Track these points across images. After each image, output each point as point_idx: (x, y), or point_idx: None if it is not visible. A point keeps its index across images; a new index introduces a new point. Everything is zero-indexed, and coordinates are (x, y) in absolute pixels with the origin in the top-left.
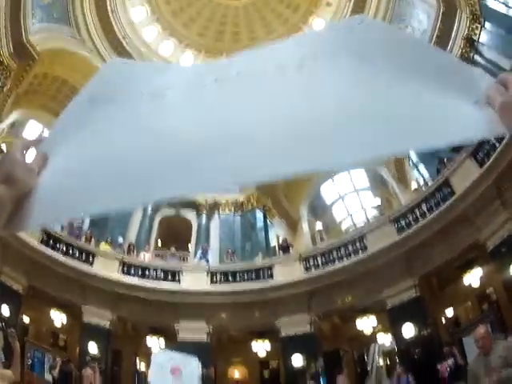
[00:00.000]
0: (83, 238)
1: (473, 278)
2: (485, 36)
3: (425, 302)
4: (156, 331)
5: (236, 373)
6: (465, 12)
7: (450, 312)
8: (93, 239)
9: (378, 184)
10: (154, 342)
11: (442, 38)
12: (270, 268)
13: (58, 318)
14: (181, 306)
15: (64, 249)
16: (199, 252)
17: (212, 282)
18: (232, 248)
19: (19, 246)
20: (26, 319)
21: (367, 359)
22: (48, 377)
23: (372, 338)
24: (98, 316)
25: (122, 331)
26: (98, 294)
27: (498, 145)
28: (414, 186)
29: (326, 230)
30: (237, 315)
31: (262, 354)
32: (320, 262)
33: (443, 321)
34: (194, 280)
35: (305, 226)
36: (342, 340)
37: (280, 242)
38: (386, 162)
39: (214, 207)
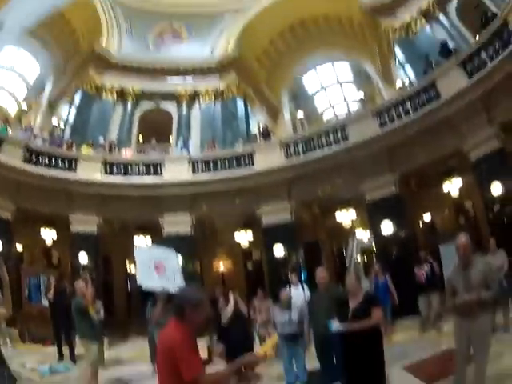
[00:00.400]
0: (65, 147)
1: (452, 186)
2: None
3: (404, 201)
4: (142, 230)
5: (221, 265)
6: None
7: (427, 217)
8: (74, 146)
9: (362, 78)
10: (141, 241)
11: None
12: (251, 155)
13: (49, 235)
14: (164, 198)
15: (47, 161)
16: (180, 143)
17: (194, 171)
18: (213, 137)
19: (3, 171)
20: (19, 247)
21: (346, 254)
22: (45, 302)
23: (351, 232)
24: (85, 223)
25: (109, 235)
26: (83, 199)
27: (488, 61)
28: (399, 84)
29: (308, 120)
30: (219, 205)
31: (245, 245)
32: (301, 150)
33: (420, 225)
34: (175, 171)
35: (286, 114)
36: (322, 232)
37: (261, 129)
38: (371, 58)
39: (195, 97)
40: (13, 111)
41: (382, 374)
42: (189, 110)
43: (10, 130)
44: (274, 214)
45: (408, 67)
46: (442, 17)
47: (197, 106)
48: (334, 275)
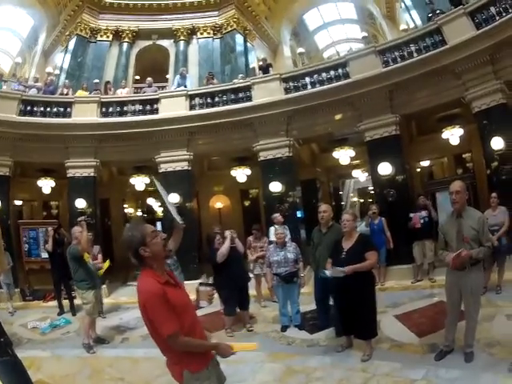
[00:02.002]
0: (59, 93)
1: (452, 135)
2: None
3: (403, 144)
4: (139, 170)
5: (218, 202)
6: None
7: (426, 163)
8: (70, 91)
9: (366, 19)
10: (138, 181)
11: None
12: (249, 88)
13: (46, 185)
14: (160, 136)
15: (42, 110)
16: (177, 77)
17: (191, 107)
18: (211, 72)
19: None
20: (18, 202)
21: (343, 193)
22: (45, 254)
23: (348, 172)
24: (83, 167)
25: (107, 178)
26: (79, 143)
27: (497, 16)
28: (403, 27)
29: (308, 57)
30: (216, 140)
31: (242, 181)
32: (300, 84)
33: (418, 170)
34: (172, 107)
35: (286, 50)
36: (320, 170)
37: (260, 62)
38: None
39: (192, 33)
40: (8, 68)
41: (373, 319)
42: (186, 46)
43: (4, 86)
44: (272, 150)
45: (414, 12)
46: None
47: (194, 41)
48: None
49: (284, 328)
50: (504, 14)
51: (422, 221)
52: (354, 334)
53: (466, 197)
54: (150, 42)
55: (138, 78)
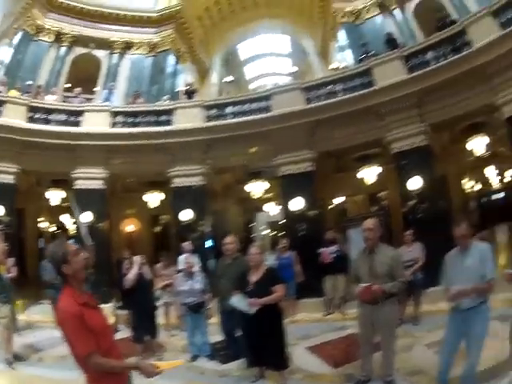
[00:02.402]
0: None
1: (368, 175)
2: None
3: (318, 180)
4: (57, 183)
5: (129, 225)
6: None
7: (340, 199)
8: (5, 88)
9: (299, 54)
10: (54, 195)
11: None
12: (172, 112)
13: None
14: (80, 150)
15: None
16: (105, 92)
17: (113, 124)
18: (138, 90)
19: None
20: None
21: (254, 225)
22: None
23: (261, 205)
24: (4, 172)
25: (26, 187)
26: (3, 146)
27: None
28: (334, 66)
29: (235, 86)
30: (134, 161)
31: (154, 206)
32: (222, 113)
33: (332, 206)
34: (95, 122)
35: (214, 76)
36: (233, 201)
37: (186, 87)
38: (312, 35)
39: (127, 46)
40: None
41: (284, 350)
42: (120, 59)
43: None
44: (187, 177)
45: (348, 51)
46: (396, 11)
47: (128, 56)
48: (240, 246)
49: (194, 357)
50: (441, 60)
51: (332, 255)
52: (266, 365)
53: (380, 234)
54: (87, 51)
55: (68, 85)
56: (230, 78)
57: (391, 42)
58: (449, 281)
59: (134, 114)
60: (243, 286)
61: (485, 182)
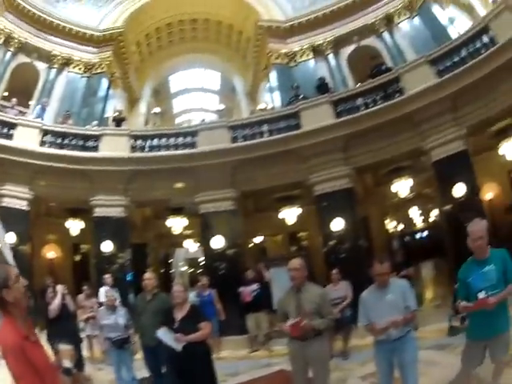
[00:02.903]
0: None
1: (289, 215)
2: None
3: (239, 218)
4: None
5: (50, 251)
6: None
7: (260, 239)
8: None
9: (227, 91)
10: None
11: None
12: (99, 138)
13: None
14: (8, 166)
15: None
16: (38, 108)
17: (42, 143)
18: (69, 110)
19: None
20: None
21: (173, 261)
22: None
23: (180, 241)
24: None
25: None
26: None
27: (363, 107)
28: (262, 106)
29: (162, 118)
30: (58, 184)
31: (75, 234)
32: (147, 145)
33: (251, 244)
34: (25, 137)
35: (143, 106)
36: (153, 235)
37: (115, 113)
38: (244, 74)
39: (67, 63)
40: None
41: None
42: (57, 75)
43: None
44: (108, 207)
45: (277, 93)
46: (331, 56)
47: (65, 73)
48: (159, 281)
49: None
50: (370, 106)
51: (253, 294)
52: None
53: (306, 273)
54: (29, 60)
55: (6, 94)
56: (157, 110)
57: (322, 87)
58: (371, 316)
59: (63, 135)
60: (168, 323)
61: (408, 221)
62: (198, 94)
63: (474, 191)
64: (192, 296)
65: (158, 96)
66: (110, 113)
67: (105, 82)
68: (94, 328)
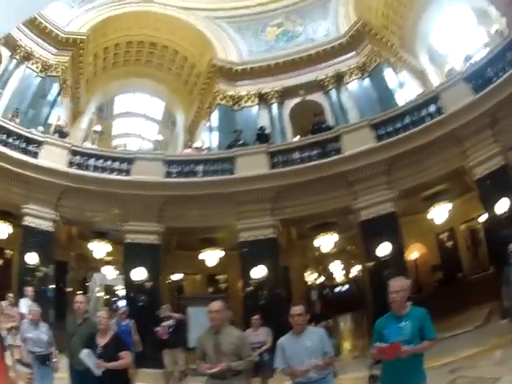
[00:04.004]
0: None
1: (210, 257)
2: None
3: (161, 254)
4: None
5: None
6: None
7: (178, 276)
8: None
9: (168, 123)
10: None
11: None
12: (41, 144)
13: None
14: None
15: None
16: None
17: None
18: (19, 110)
19: None
20: None
21: (90, 285)
22: None
23: (100, 266)
24: None
25: None
26: None
27: (298, 161)
28: (198, 145)
29: (100, 137)
30: None
31: (1, 237)
32: (85, 163)
33: (169, 281)
34: None
35: (85, 121)
36: (74, 255)
37: (59, 123)
38: (187, 108)
39: (28, 56)
40: None
41: None
42: (16, 67)
43: None
44: (38, 218)
45: (215, 133)
46: (275, 105)
47: (24, 66)
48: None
49: None
50: (305, 161)
51: (168, 330)
52: None
53: (226, 316)
54: None
55: None
56: (98, 128)
57: (262, 136)
58: (290, 361)
59: (8, 133)
60: (93, 348)
61: (329, 275)
62: (139, 120)
63: (399, 251)
64: (111, 324)
65: (101, 114)
66: (54, 119)
67: (56, 87)
68: (16, 338)
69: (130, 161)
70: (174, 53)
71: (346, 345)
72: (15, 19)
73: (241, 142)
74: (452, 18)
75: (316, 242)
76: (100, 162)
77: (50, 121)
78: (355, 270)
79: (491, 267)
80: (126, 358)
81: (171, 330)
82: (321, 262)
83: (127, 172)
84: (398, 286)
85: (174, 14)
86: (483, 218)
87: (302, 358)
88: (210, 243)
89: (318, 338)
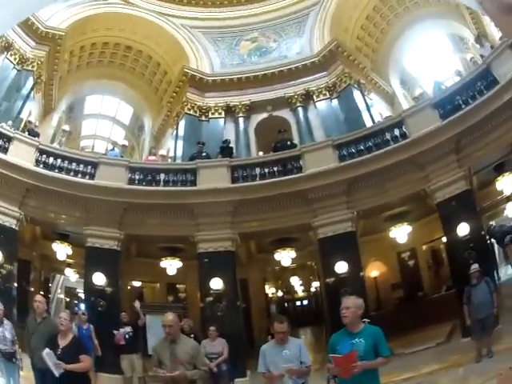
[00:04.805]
0: None
1: (170, 266)
2: None
3: (121, 260)
4: None
5: None
6: None
7: (138, 283)
8: None
9: (135, 129)
10: None
11: None
12: (10, 140)
13: None
14: None
15: None
16: None
17: None
18: None
19: None
20: None
21: (51, 286)
22: None
23: (62, 268)
24: None
25: None
26: None
27: (258, 178)
28: (163, 152)
29: (68, 137)
30: None
31: None
32: (51, 163)
33: (130, 287)
34: None
35: (55, 119)
36: (37, 255)
37: (30, 119)
38: (155, 115)
39: (7, 47)
40: None
41: None
42: None
43: None
44: (3, 214)
45: (181, 144)
46: (241, 119)
47: (3, 57)
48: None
49: None
50: (267, 177)
51: (126, 336)
52: None
53: (179, 327)
54: None
55: None
56: (66, 127)
57: (226, 149)
58: (271, 365)
59: None
60: (53, 349)
61: (289, 289)
62: (108, 123)
63: (357, 268)
64: (72, 326)
65: (71, 113)
66: (25, 114)
67: (30, 82)
68: None
69: (94, 165)
70: (147, 58)
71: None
72: (10, 22)
73: (204, 153)
74: (428, 44)
75: (276, 256)
76: (66, 163)
77: (21, 115)
78: (314, 286)
79: (452, 287)
80: (85, 361)
81: (128, 336)
82: (281, 276)
83: (92, 176)
84: (349, 303)
85: (151, 19)
86: (445, 239)
87: (280, 365)
88: (171, 252)
89: (296, 347)
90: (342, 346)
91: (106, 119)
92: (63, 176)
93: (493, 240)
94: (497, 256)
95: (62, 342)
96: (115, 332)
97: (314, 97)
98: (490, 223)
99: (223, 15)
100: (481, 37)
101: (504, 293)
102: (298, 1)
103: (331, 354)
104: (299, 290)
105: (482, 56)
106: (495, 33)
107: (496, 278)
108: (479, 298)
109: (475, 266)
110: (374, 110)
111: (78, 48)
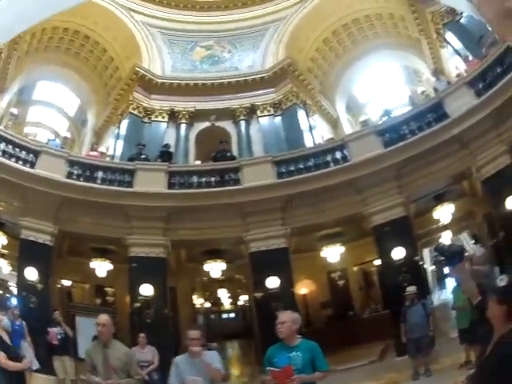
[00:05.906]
0: None
1: (100, 268)
2: None
3: (53, 256)
4: None
5: None
6: None
7: (68, 283)
8: None
9: (79, 123)
10: None
11: None
12: None
13: None
14: None
15: None
16: None
17: None
18: None
19: None
20: None
21: None
22: None
23: None
24: None
25: None
26: None
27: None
28: (103, 149)
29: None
30: None
31: None
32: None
33: (60, 286)
34: None
35: (5, 100)
36: None
37: None
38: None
39: None
40: None
41: None
42: None
43: None
44: None
45: (121, 143)
46: (183, 126)
47: None
48: None
49: None
50: (203, 186)
51: (58, 336)
52: None
53: (113, 330)
54: None
55: None
56: (14, 111)
57: (166, 154)
58: (184, 378)
59: None
60: None
61: (217, 300)
62: (53, 112)
63: (288, 285)
64: (6, 321)
65: (21, 96)
66: None
67: None
68: None
69: (36, 153)
70: (102, 51)
71: (234, 371)
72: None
73: (143, 156)
74: (380, 73)
75: (206, 267)
76: (9, 148)
77: None
78: (242, 299)
79: (384, 308)
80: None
81: (60, 336)
82: (208, 288)
83: (32, 164)
84: (284, 317)
85: (113, 11)
86: (377, 262)
87: (192, 375)
88: (102, 253)
89: (209, 357)
90: (278, 358)
91: (52, 108)
92: (4, 160)
93: (428, 265)
94: (430, 281)
95: None
96: (49, 330)
97: (258, 112)
98: (440, 242)
99: (183, 18)
100: (438, 71)
101: (438, 316)
102: (259, 15)
103: (269, 368)
104: (226, 302)
105: (435, 89)
106: (452, 69)
107: (430, 302)
108: (415, 318)
109: (412, 289)
110: (316, 132)
111: (40, 30)
